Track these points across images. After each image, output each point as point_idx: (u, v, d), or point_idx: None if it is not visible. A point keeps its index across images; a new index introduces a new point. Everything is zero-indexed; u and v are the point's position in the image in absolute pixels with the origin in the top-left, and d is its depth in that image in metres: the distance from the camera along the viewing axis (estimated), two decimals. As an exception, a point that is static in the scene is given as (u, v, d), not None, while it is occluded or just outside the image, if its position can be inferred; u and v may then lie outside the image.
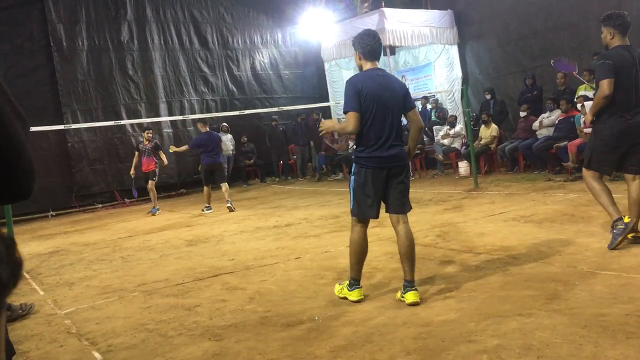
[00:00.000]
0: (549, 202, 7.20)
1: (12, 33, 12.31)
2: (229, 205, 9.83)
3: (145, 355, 3.44)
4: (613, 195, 4.74)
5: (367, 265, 4.94)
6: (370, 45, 3.93)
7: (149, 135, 10.72)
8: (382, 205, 4.01)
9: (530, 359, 2.74)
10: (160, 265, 6.04)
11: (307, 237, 6.66)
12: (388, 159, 3.85)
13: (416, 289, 3.84)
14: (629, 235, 4.59)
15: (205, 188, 10.13)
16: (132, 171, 10.86)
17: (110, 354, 3.53)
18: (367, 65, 3.97)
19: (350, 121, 3.79)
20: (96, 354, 3.55)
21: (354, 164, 3.99)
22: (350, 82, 3.89)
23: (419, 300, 3.79)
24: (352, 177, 3.99)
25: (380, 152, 3.83)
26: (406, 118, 4.05)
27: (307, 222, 7.80)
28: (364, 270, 4.77)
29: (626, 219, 4.53)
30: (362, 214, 3.95)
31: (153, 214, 10.62)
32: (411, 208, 4.06)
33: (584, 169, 4.90)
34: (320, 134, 4.42)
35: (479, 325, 3.25)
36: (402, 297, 3.85)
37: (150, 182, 10.62)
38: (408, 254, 3.89)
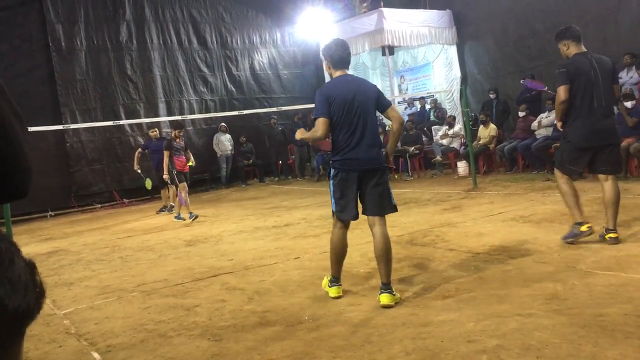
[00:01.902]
0: (548, 202, 7.20)
1: (10, 33, 12.29)
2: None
3: (145, 355, 3.43)
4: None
5: (366, 265, 4.96)
6: (339, 55, 4.02)
7: (180, 133, 9.64)
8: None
9: (529, 359, 2.74)
10: (159, 265, 6.04)
11: (306, 237, 6.66)
12: (362, 161, 3.87)
13: (390, 292, 3.83)
14: (607, 236, 4.71)
15: (172, 190, 10.15)
16: (166, 175, 9.36)
17: (109, 354, 3.53)
18: (337, 73, 4.05)
19: (319, 127, 3.88)
20: (95, 354, 3.55)
21: (331, 168, 4.03)
22: (320, 91, 3.99)
23: (392, 303, 3.78)
24: (331, 181, 4.04)
25: (354, 154, 3.87)
26: (386, 117, 4.12)
27: (306, 222, 7.79)
28: (363, 271, 4.80)
29: (584, 228, 4.78)
30: (340, 215, 4.00)
31: (195, 218, 9.19)
32: (394, 210, 4.04)
33: (556, 170, 5.09)
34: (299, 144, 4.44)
35: (478, 325, 3.25)
36: (379, 299, 3.85)
37: (183, 183, 9.45)
38: (383, 257, 3.89)
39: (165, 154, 9.37)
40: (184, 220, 9.22)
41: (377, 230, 3.93)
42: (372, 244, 4.00)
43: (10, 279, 0.69)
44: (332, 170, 4.00)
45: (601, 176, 4.91)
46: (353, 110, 3.86)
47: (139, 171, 10.95)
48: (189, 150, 9.89)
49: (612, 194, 4.79)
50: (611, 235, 4.75)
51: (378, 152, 3.95)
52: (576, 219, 4.87)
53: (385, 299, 3.80)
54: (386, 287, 3.86)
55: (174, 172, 9.36)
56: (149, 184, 10.71)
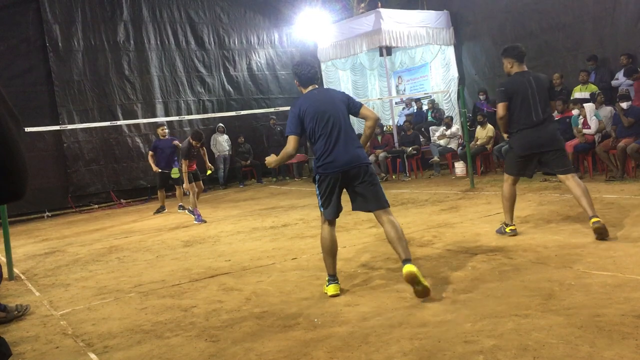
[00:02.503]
0: (545, 202, 7.22)
1: (7, 33, 12.28)
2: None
3: (142, 356, 3.43)
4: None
5: (364, 265, 4.97)
6: (304, 75, 4.34)
7: (197, 144, 9.33)
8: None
9: (526, 360, 2.74)
10: (157, 266, 6.03)
11: (303, 238, 6.66)
12: (341, 162, 4.10)
13: (412, 264, 3.85)
14: (591, 222, 4.93)
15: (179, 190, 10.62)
16: (186, 186, 9.24)
17: (106, 355, 3.52)
18: (306, 90, 4.35)
19: (289, 144, 4.21)
20: (92, 355, 3.54)
21: (316, 174, 4.26)
22: (292, 108, 4.28)
23: (416, 272, 3.77)
24: (316, 184, 4.28)
25: (332, 157, 4.10)
26: (361, 118, 4.33)
27: (303, 222, 7.80)
28: (360, 271, 4.81)
29: (508, 229, 5.47)
30: (325, 212, 4.25)
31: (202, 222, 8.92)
32: (388, 205, 4.21)
33: (504, 173, 5.67)
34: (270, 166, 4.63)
35: (475, 325, 3.25)
36: (402, 272, 3.86)
37: (192, 184, 9.31)
38: (396, 238, 4.02)
39: (184, 162, 9.14)
40: (206, 222, 8.89)
41: (385, 220, 4.11)
42: (384, 236, 4.14)
43: None
44: (317, 176, 4.24)
45: (561, 177, 5.29)
46: (325, 119, 4.14)
47: (160, 170, 10.64)
48: (204, 149, 9.85)
49: (578, 189, 5.12)
50: (594, 220, 4.94)
51: (356, 152, 4.16)
52: (505, 220, 5.55)
53: (409, 267, 3.80)
54: (407, 261, 3.89)
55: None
56: (175, 172, 10.37)
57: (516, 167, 5.45)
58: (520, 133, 5.28)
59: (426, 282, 3.82)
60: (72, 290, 5.35)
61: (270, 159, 4.47)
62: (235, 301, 4.35)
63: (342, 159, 4.09)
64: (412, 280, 3.78)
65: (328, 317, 3.74)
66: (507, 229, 5.50)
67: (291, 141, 4.21)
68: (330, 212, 4.20)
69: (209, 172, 9.93)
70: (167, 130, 11.15)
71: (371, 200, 4.14)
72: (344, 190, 4.25)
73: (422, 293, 3.80)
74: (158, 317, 4.15)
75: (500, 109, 5.34)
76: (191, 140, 9.23)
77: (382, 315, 3.66)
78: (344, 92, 4.52)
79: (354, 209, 4.27)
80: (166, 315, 4.19)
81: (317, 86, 4.39)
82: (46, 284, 5.74)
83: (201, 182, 9.61)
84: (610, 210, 6.16)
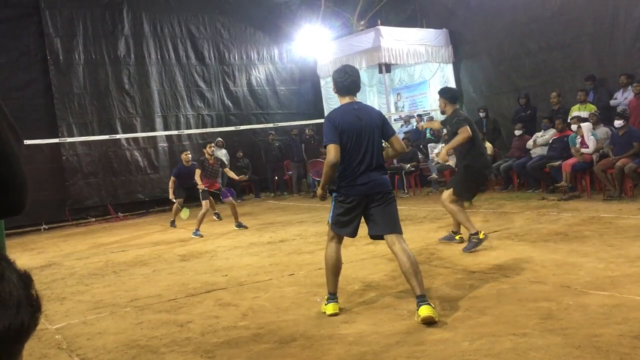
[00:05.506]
0: (543, 221, 7.22)
1: (8, 46, 12.32)
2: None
3: (136, 372, 3.40)
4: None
5: (361, 282, 4.95)
6: (341, 82, 4.12)
7: (212, 149, 9.53)
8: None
9: (523, 380, 2.72)
10: (153, 280, 6.00)
11: (301, 254, 6.64)
12: (369, 185, 3.99)
13: (429, 303, 3.73)
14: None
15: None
16: (200, 185, 9.21)
17: (100, 371, 3.49)
18: (343, 100, 4.16)
19: (330, 152, 3.94)
20: (86, 371, 3.51)
21: (335, 192, 4.13)
22: (328, 118, 4.09)
23: (433, 315, 3.63)
24: (333, 199, 4.16)
25: (362, 179, 3.98)
26: (388, 144, 4.22)
27: (301, 238, 7.78)
28: (357, 288, 4.79)
29: (481, 236, 5.74)
30: (338, 230, 4.14)
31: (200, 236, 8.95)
32: (401, 231, 4.07)
33: (448, 193, 6.05)
34: (322, 197, 4.29)
35: (472, 344, 3.23)
36: (417, 314, 3.71)
37: (206, 201, 9.29)
38: (411, 271, 3.83)
39: (197, 172, 9.28)
40: (202, 236, 8.90)
41: (398, 249, 3.93)
42: (397, 262, 4.00)
43: None
44: (337, 194, 4.09)
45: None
46: (361, 139, 3.99)
47: (175, 200, 10.23)
48: (227, 169, 10.03)
49: None
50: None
51: (382, 178, 4.06)
52: (471, 231, 5.77)
53: (425, 310, 3.65)
54: (422, 299, 3.74)
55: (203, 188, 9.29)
56: (185, 213, 10.05)
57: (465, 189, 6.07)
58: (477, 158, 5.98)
59: (437, 317, 3.70)
60: (67, 304, 5.31)
61: (319, 191, 4.20)
62: (231, 317, 4.33)
63: (371, 181, 3.98)
64: (429, 323, 3.63)
65: (325, 334, 3.72)
66: (480, 236, 5.78)
67: (332, 149, 3.92)
68: (345, 230, 4.10)
69: (243, 177, 10.11)
70: (190, 156, 10.56)
71: (389, 224, 4.00)
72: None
73: (429, 321, 3.65)
74: (154, 332, 4.12)
75: (465, 132, 5.78)
76: (204, 150, 9.49)
77: (379, 333, 3.64)
78: (380, 113, 4.29)
79: (373, 233, 4.10)
80: (162, 330, 4.16)
81: (355, 99, 4.17)
82: (41, 297, 5.69)
83: (207, 202, 9.28)
84: (607, 230, 6.16)
